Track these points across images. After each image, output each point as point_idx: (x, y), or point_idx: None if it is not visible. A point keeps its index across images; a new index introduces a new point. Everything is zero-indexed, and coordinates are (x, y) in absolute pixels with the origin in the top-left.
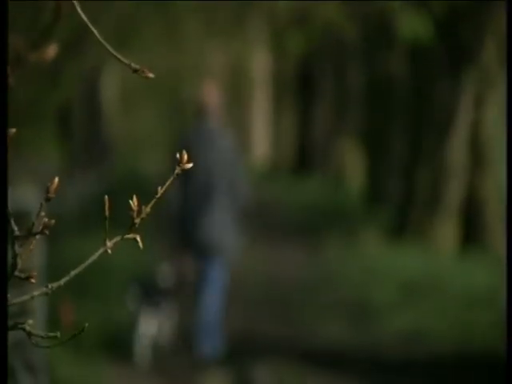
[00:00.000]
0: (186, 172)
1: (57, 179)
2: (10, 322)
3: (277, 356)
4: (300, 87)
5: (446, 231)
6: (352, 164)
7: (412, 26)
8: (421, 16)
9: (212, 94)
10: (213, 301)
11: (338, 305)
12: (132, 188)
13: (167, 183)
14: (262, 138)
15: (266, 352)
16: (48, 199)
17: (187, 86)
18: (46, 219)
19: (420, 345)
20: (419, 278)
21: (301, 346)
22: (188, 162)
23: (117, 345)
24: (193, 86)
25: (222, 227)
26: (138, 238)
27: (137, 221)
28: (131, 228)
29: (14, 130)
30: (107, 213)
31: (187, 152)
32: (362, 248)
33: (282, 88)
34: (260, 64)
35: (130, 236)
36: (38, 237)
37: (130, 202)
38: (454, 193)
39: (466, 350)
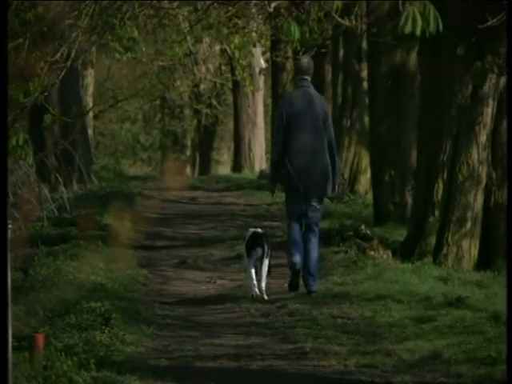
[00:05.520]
0: (289, 124)
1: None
2: None
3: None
4: None
5: (465, 246)
6: (361, 170)
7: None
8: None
9: (308, 60)
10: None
11: (348, 322)
12: (116, 190)
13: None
14: (262, 147)
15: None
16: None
17: (179, 84)
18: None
19: (437, 365)
20: (436, 296)
21: (307, 366)
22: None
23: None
24: (183, 84)
25: (323, 175)
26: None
27: None
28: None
29: None
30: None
31: (292, 109)
32: (374, 263)
33: (282, 86)
34: (259, 59)
35: None
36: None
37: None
38: (473, 204)
39: (486, 372)
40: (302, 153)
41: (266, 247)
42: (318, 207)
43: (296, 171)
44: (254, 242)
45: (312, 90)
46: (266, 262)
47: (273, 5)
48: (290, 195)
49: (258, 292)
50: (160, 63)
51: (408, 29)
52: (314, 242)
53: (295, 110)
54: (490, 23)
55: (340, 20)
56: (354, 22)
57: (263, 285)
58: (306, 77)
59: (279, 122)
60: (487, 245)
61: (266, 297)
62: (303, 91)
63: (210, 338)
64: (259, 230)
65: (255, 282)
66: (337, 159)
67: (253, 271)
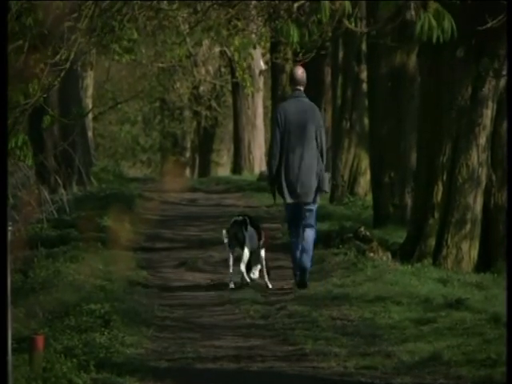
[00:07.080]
0: (283, 134)
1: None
2: None
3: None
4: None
5: (465, 248)
6: (361, 172)
7: (431, 21)
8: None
9: (303, 71)
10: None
11: (348, 324)
12: (115, 192)
13: None
14: (262, 148)
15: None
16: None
17: (180, 85)
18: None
19: (437, 367)
20: (436, 298)
21: (307, 368)
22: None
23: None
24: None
25: (315, 177)
26: None
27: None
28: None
29: None
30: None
31: (286, 116)
32: (373, 265)
33: (282, 87)
34: (259, 60)
35: None
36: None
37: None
38: (473, 206)
39: (486, 374)
40: (295, 164)
41: (245, 235)
42: (312, 208)
43: (290, 182)
44: (234, 230)
45: (305, 100)
46: (247, 249)
47: (296, 5)
48: (287, 202)
49: (233, 283)
50: (160, 65)
51: (425, 36)
52: (310, 235)
53: (289, 120)
54: (489, 25)
55: (346, 22)
56: (353, 23)
57: (243, 268)
58: (300, 87)
59: (275, 134)
60: (487, 246)
61: (248, 281)
62: (296, 101)
63: (209, 340)
64: (240, 218)
65: (232, 270)
66: (324, 164)
67: (231, 260)
